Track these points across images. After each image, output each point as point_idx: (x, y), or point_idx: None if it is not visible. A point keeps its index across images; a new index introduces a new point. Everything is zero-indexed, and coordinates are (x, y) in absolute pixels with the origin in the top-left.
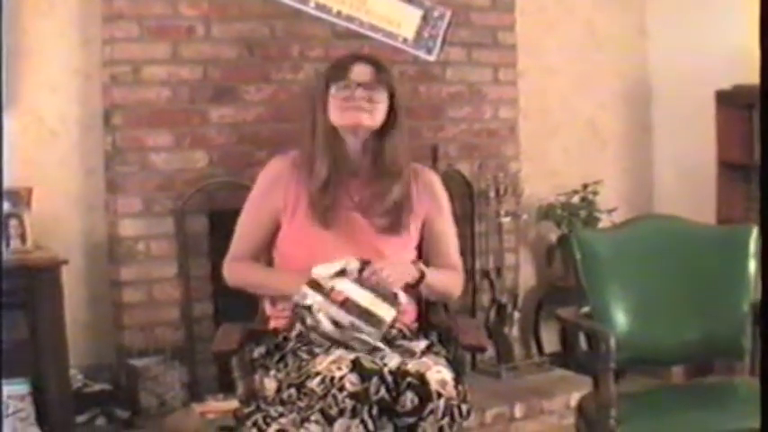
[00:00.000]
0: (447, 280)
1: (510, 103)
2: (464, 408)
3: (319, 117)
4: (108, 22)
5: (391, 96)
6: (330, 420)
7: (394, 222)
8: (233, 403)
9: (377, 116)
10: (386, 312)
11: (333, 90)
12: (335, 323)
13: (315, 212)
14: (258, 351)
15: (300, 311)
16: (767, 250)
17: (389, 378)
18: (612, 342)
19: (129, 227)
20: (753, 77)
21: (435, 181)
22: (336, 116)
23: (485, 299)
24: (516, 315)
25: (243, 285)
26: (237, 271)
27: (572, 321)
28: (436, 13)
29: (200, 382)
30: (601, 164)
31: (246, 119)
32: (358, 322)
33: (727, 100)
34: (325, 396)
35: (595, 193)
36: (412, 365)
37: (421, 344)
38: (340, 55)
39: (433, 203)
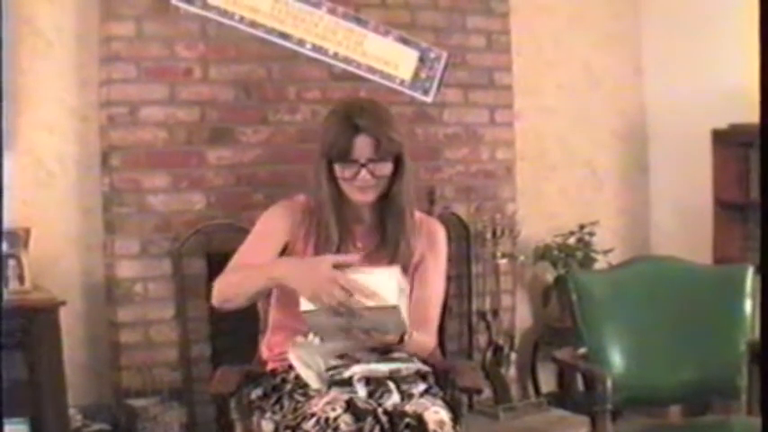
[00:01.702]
0: (420, 345)
1: (506, 144)
2: None
3: (323, 177)
4: (105, 64)
5: (397, 153)
6: None
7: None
8: None
9: (383, 186)
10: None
11: (337, 167)
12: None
13: None
14: (255, 393)
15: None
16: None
17: (384, 418)
18: (609, 383)
19: (126, 268)
20: (749, 116)
21: (439, 231)
22: (344, 189)
23: (481, 340)
24: (513, 356)
25: (236, 285)
26: (226, 274)
27: (569, 362)
28: (433, 55)
29: (198, 423)
30: (597, 204)
31: (244, 160)
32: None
33: (724, 139)
34: None
35: (592, 234)
36: (409, 406)
37: (420, 386)
38: (338, 126)
39: (429, 249)
